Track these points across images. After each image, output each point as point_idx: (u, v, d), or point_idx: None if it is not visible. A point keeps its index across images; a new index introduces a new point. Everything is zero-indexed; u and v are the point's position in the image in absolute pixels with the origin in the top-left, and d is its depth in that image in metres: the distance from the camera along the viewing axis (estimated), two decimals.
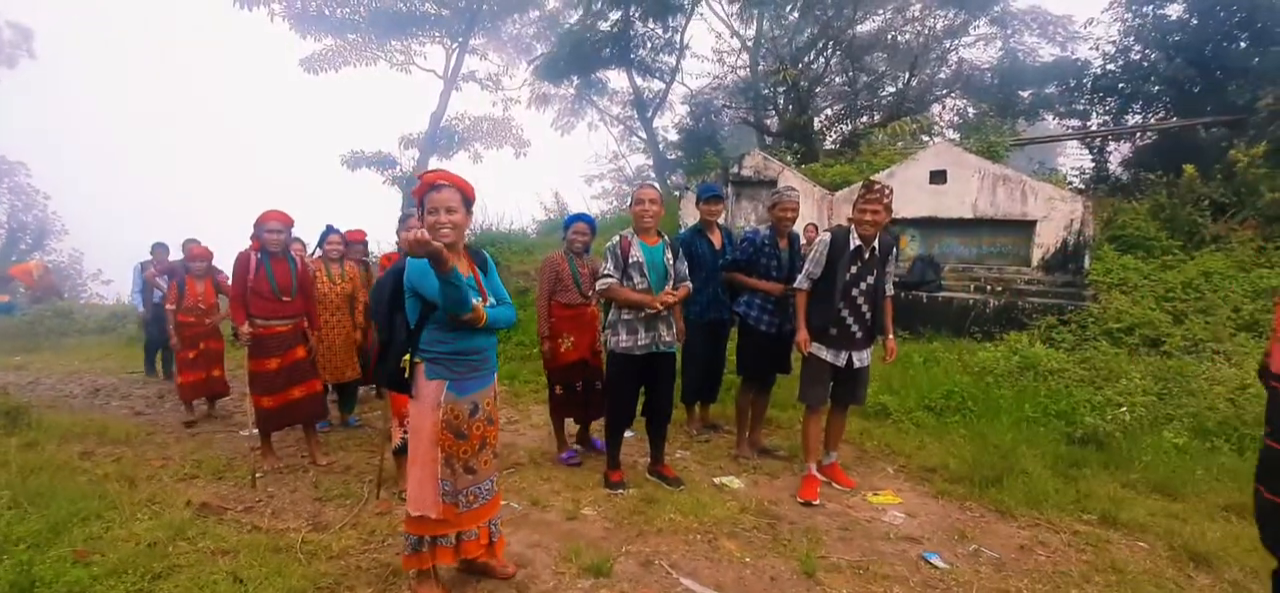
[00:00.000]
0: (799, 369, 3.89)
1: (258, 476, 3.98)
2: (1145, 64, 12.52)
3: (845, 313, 3.66)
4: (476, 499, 2.49)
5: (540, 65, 17.51)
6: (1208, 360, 5.77)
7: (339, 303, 5.10)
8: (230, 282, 4.36)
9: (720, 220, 4.64)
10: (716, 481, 3.96)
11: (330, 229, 5.26)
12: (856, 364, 3.74)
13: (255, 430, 4.25)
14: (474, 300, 2.36)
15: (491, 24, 18.16)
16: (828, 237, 3.70)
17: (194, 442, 4.90)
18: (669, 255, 3.71)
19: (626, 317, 3.65)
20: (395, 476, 3.73)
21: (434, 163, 18.04)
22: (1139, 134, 12.75)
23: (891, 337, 3.88)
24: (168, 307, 5.59)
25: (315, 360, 4.48)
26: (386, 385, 2.51)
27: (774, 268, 4.26)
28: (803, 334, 3.72)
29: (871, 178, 3.62)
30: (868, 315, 3.71)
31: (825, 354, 3.70)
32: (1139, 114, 12.99)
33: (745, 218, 10.11)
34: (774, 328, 4.26)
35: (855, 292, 3.66)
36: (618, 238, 3.69)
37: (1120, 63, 13.00)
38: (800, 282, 3.76)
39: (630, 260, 3.61)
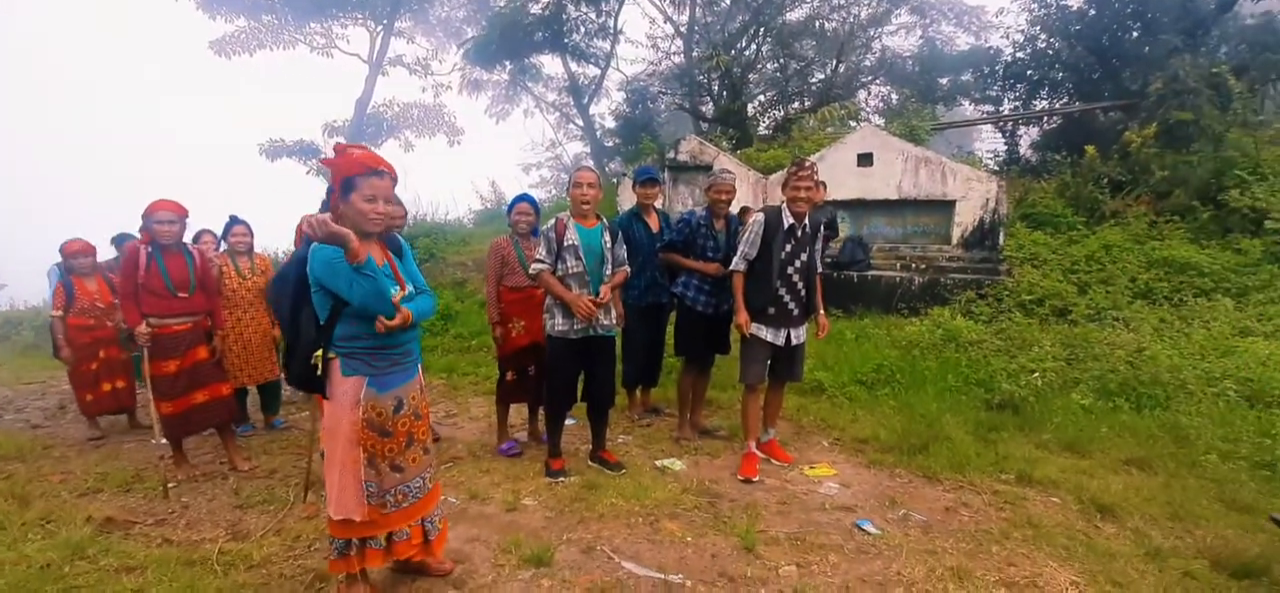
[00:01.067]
0: (738, 350, 3.92)
1: (170, 486, 3.70)
2: (1050, 52, 13.35)
3: (782, 291, 3.71)
4: (406, 498, 2.37)
5: (471, 49, 16.97)
6: (1109, 327, 6.22)
7: (252, 299, 4.80)
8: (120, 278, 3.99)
9: (657, 204, 4.64)
10: (658, 463, 3.97)
11: (234, 220, 4.92)
12: (794, 341, 3.81)
13: (164, 439, 3.95)
14: (392, 292, 2.22)
15: (418, 6, 17.45)
16: (762, 216, 3.71)
17: (98, 454, 4.52)
18: (607, 239, 3.65)
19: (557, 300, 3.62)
20: (323, 478, 3.55)
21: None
22: (1046, 118, 13.59)
23: (823, 313, 3.97)
24: (54, 313, 4.94)
25: (222, 362, 4.20)
26: (297, 386, 2.32)
27: (711, 249, 4.27)
28: (743, 315, 3.72)
29: (800, 156, 3.65)
30: (803, 293, 3.78)
31: (765, 334, 3.73)
32: (1046, 99, 13.84)
33: (682, 202, 10.17)
34: (712, 308, 4.28)
35: (790, 270, 3.71)
36: (553, 221, 3.63)
37: (1028, 51, 13.81)
38: (737, 263, 3.76)
39: (565, 244, 3.54)
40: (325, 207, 2.34)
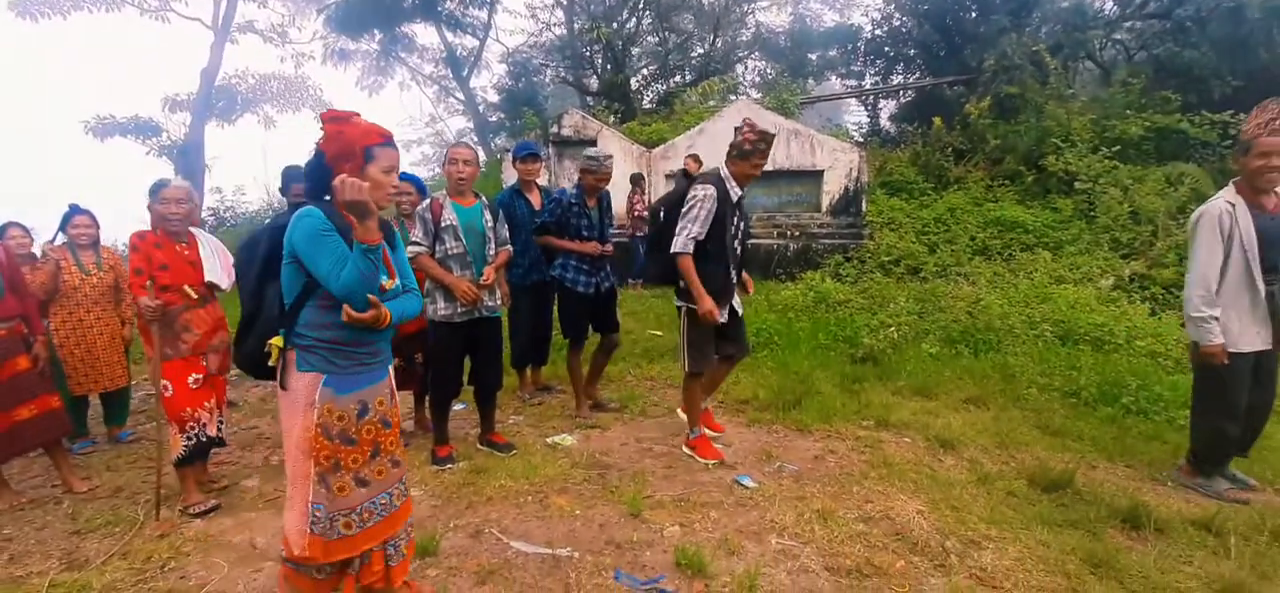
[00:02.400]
0: (680, 337, 3.58)
1: None
2: (904, 30, 14.48)
3: (731, 267, 3.49)
4: (371, 516, 2.05)
5: (333, 15, 15.73)
6: (953, 282, 6.97)
7: (98, 297, 4.25)
8: None
9: (540, 180, 4.58)
10: (549, 440, 3.99)
11: (74, 210, 4.31)
12: (738, 312, 3.67)
13: None
14: (381, 281, 2.00)
15: None
16: (712, 191, 3.32)
17: None
18: (487, 217, 3.56)
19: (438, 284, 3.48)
20: (179, 490, 3.26)
21: (212, 127, 15.58)
22: (901, 92, 14.79)
23: (745, 273, 3.78)
24: None
25: (46, 371, 3.69)
26: (245, 368, 2.07)
27: (584, 227, 4.21)
28: (708, 303, 3.30)
29: (752, 124, 3.40)
30: (741, 260, 3.62)
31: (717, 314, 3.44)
32: (901, 74, 15.03)
33: (568, 178, 10.11)
34: (592, 288, 4.26)
35: (736, 244, 3.52)
36: (427, 200, 3.48)
37: (886, 29, 14.91)
38: (683, 244, 3.32)
39: (443, 224, 3.42)
40: (317, 184, 1.98)
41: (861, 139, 13.18)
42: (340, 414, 1.95)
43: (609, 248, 4.30)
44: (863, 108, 15.37)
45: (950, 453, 3.68)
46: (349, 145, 1.94)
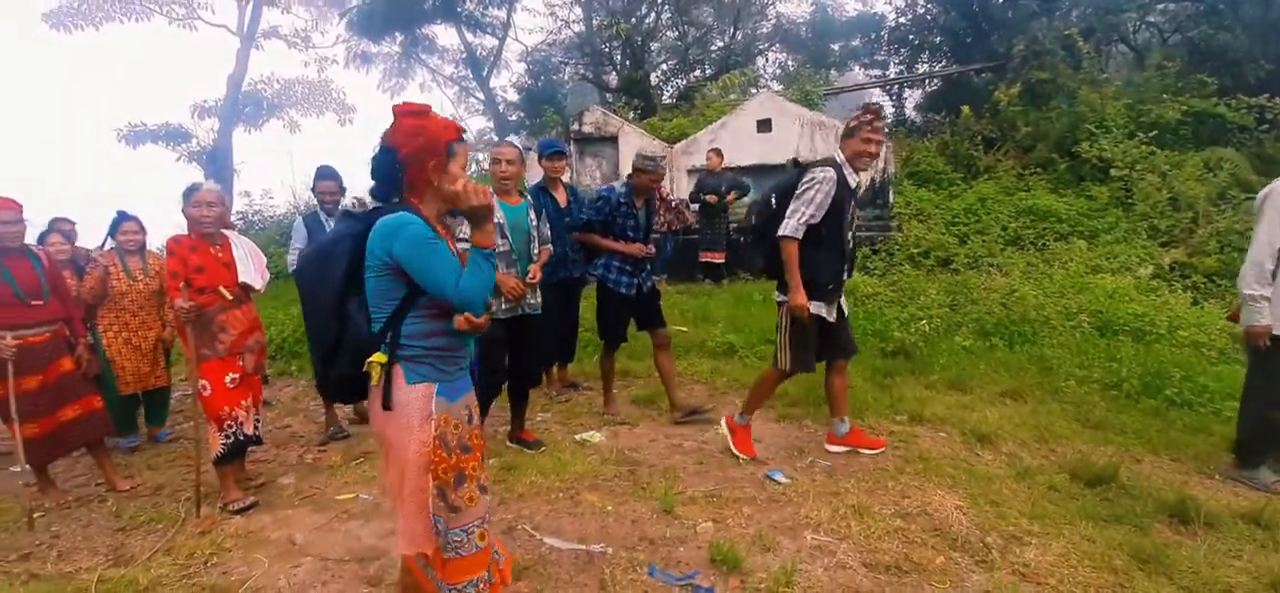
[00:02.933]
0: (786, 336, 3.37)
1: (36, 516, 3.32)
2: (929, 17, 14.20)
3: (845, 259, 3.30)
4: (492, 527, 2.00)
5: (355, 19, 15.90)
6: (985, 273, 6.83)
7: (144, 302, 4.36)
8: None
9: (564, 177, 4.57)
10: (577, 437, 3.99)
11: (122, 216, 4.40)
12: (844, 311, 3.49)
13: (26, 465, 3.53)
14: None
15: None
16: (832, 175, 3.13)
17: None
18: (532, 216, 3.61)
19: None
20: (218, 487, 3.32)
21: (240, 132, 15.89)
22: (927, 81, 14.51)
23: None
24: None
25: (89, 372, 3.79)
26: (337, 396, 1.90)
27: (631, 228, 4.07)
28: (801, 297, 3.15)
29: (867, 103, 3.29)
30: (854, 256, 3.48)
31: (822, 311, 3.29)
32: (927, 63, 14.76)
33: (589, 175, 10.11)
34: (633, 289, 4.11)
35: (851, 234, 3.30)
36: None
37: (910, 16, 14.64)
38: (793, 229, 3.14)
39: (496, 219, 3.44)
40: (390, 183, 1.81)
41: (887, 129, 12.99)
42: (455, 422, 1.85)
43: (651, 249, 4.17)
44: (887, 97, 15.11)
45: (988, 447, 3.60)
46: (434, 140, 1.78)
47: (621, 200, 4.06)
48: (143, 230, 4.48)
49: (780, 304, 3.38)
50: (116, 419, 4.42)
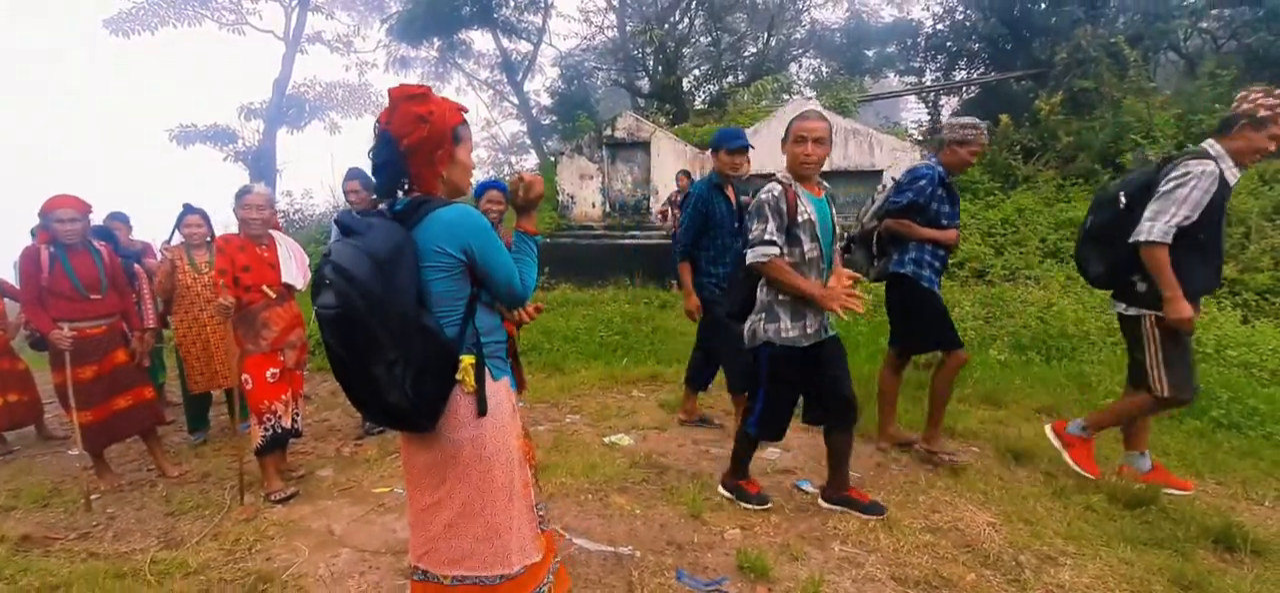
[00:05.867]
0: (1160, 353, 2.94)
1: (93, 498, 3.51)
2: (967, 24, 13.97)
3: (1219, 269, 2.94)
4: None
5: (395, 25, 16.31)
6: (1022, 285, 6.68)
7: (211, 296, 4.29)
8: (18, 285, 3.69)
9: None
10: (607, 439, 4.03)
11: (188, 209, 4.39)
12: None
13: (84, 449, 3.72)
14: None
15: None
16: (1212, 168, 2.72)
17: (8, 470, 4.21)
18: (834, 210, 2.82)
19: (784, 296, 2.70)
20: (260, 477, 3.46)
21: (283, 134, 16.40)
22: (965, 88, 14.26)
23: None
24: None
25: (142, 364, 3.97)
26: (426, 417, 1.60)
27: (945, 215, 3.43)
28: (1183, 307, 2.75)
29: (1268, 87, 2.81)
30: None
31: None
32: (964, 70, 14.51)
33: (621, 180, 10.17)
34: (938, 286, 3.49)
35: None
36: (776, 188, 2.66)
37: (947, 23, 14.41)
38: (1163, 233, 2.73)
39: (799, 219, 2.63)
40: (395, 174, 1.66)
41: (922, 137, 12.80)
42: (519, 411, 1.83)
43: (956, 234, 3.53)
44: (923, 105, 14.89)
45: (1023, 464, 3.53)
46: (439, 129, 1.65)
47: (942, 178, 3.41)
48: (207, 224, 4.45)
49: (1132, 319, 3.00)
50: (188, 417, 4.60)
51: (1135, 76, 9.93)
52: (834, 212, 2.78)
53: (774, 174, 2.78)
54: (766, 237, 2.62)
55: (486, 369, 1.70)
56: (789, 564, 2.54)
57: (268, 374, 3.41)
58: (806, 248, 2.65)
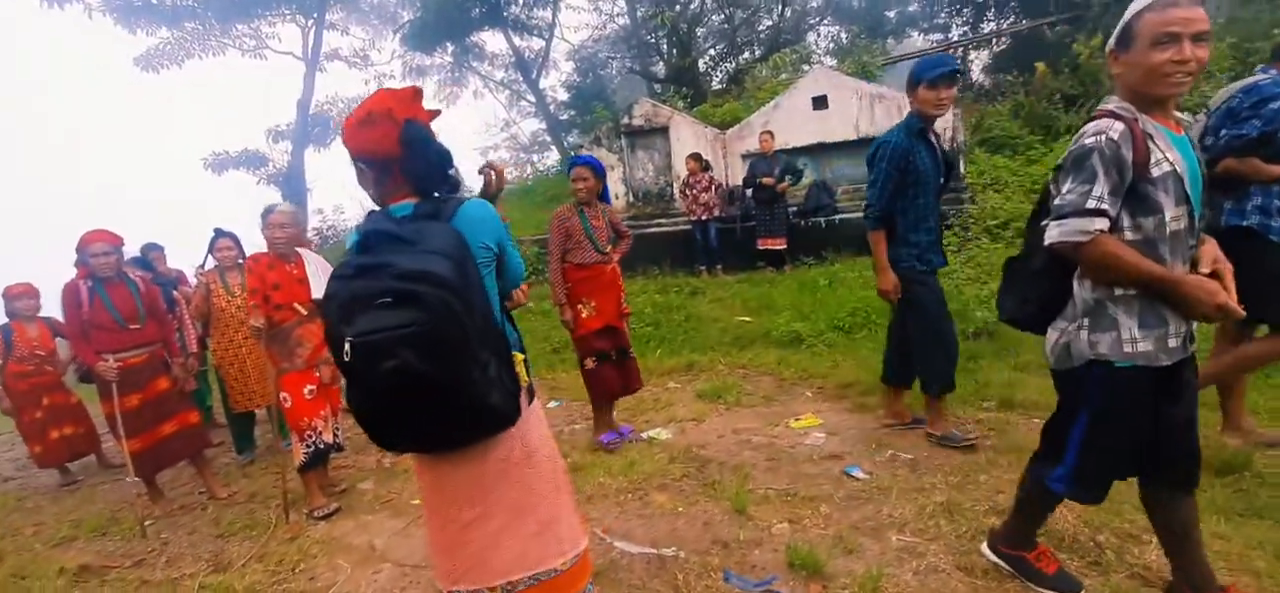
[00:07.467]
0: None
1: (147, 524, 3.58)
2: None
3: None
4: None
5: (408, 34, 16.39)
6: None
7: (245, 317, 4.29)
8: (62, 319, 3.80)
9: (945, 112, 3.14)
10: (645, 434, 3.93)
11: (219, 233, 4.49)
12: None
13: (137, 477, 3.80)
14: None
15: None
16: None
17: (73, 500, 4.37)
18: (1198, 153, 1.81)
19: (1122, 290, 1.75)
20: (304, 494, 3.47)
21: (311, 153, 16.69)
22: (995, 40, 13.66)
23: None
24: None
25: (185, 389, 4.04)
26: (505, 418, 1.48)
27: None
28: None
29: None
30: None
31: None
32: (993, 21, 13.90)
33: (641, 169, 10.01)
34: None
35: None
36: (1116, 126, 1.68)
37: None
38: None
39: (1154, 172, 1.68)
40: (393, 175, 1.55)
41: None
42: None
43: None
44: None
45: None
46: (408, 126, 1.54)
47: None
48: (238, 246, 4.52)
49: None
50: (234, 438, 4.72)
51: None
52: (1199, 155, 1.80)
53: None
54: (1090, 203, 1.69)
55: (524, 363, 1.61)
56: (843, 558, 2.40)
57: (305, 391, 3.41)
58: (1169, 215, 1.68)
